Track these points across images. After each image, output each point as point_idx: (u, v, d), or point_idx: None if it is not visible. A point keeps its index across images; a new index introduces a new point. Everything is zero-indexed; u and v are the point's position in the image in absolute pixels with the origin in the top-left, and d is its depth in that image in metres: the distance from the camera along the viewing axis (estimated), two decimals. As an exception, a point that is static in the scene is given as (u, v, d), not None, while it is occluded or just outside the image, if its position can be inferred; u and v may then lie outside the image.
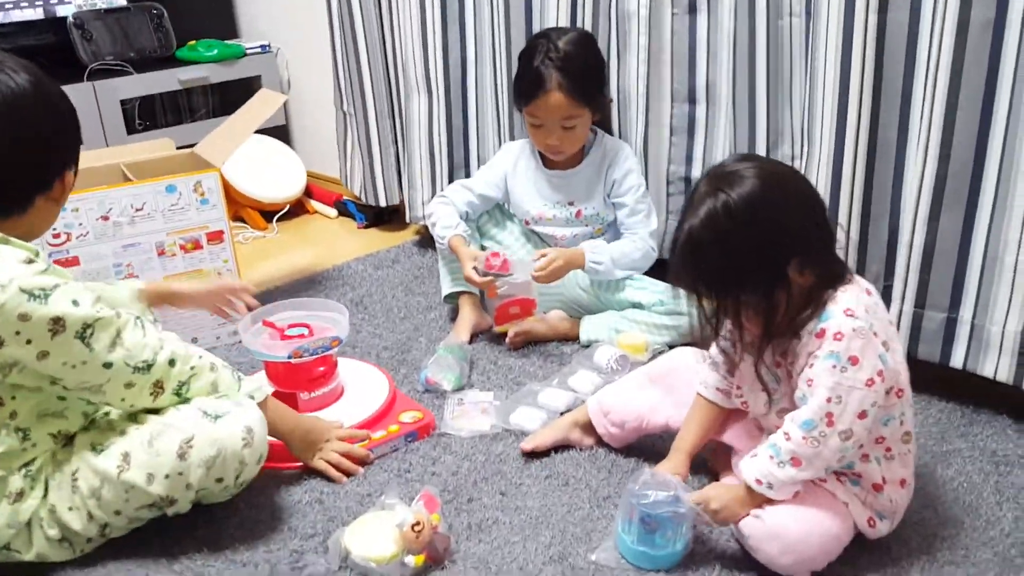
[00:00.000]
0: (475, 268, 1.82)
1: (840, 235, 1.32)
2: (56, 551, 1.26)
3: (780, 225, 1.13)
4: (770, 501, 1.18)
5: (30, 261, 1.16)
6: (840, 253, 1.22)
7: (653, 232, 1.91)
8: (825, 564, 1.18)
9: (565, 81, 1.77)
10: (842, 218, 1.62)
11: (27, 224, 1.22)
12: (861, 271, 1.66)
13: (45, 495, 1.24)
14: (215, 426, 1.25)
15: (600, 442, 1.52)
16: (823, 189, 1.61)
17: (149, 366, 1.23)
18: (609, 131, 1.97)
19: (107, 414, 1.32)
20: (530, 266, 1.81)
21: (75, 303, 1.16)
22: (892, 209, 1.61)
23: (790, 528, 1.16)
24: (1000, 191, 1.43)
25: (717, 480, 1.36)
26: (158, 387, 1.25)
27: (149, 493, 1.23)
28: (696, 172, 1.96)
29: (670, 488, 1.22)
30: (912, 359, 1.58)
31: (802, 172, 1.65)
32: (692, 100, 1.90)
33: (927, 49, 1.46)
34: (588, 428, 1.52)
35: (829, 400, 1.12)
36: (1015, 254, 1.43)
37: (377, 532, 1.25)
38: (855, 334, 1.11)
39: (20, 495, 1.22)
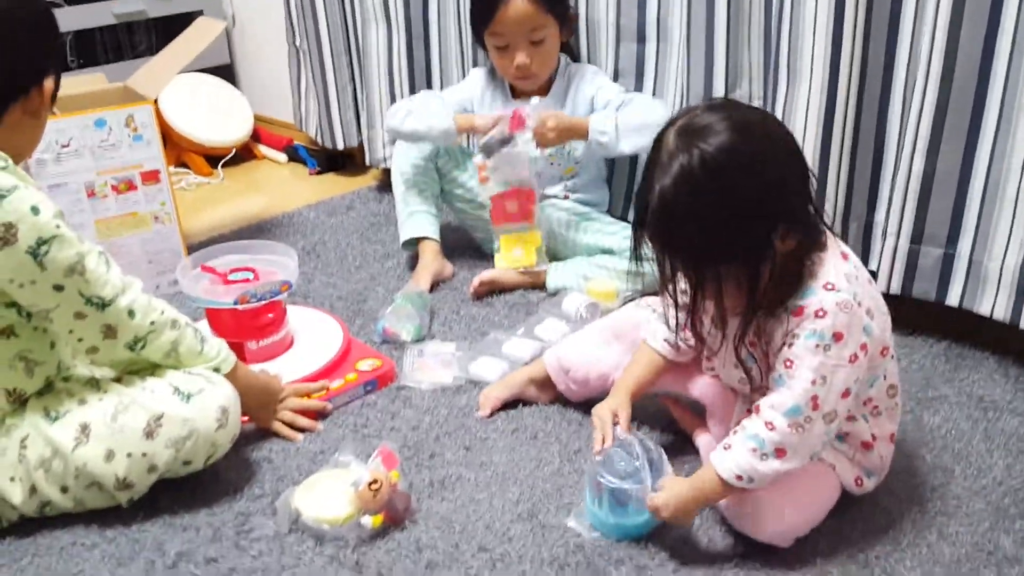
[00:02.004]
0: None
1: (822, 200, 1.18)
2: None
3: (764, 182, 0.99)
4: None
5: None
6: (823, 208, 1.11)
7: (658, 101, 1.76)
8: (809, 529, 1.11)
9: None
10: (833, 155, 1.54)
11: (3, 138, 1.11)
12: (847, 208, 1.59)
13: None
14: (187, 405, 1.16)
15: (558, 398, 1.42)
16: (812, 125, 1.53)
17: (104, 304, 1.12)
18: (577, 58, 1.86)
19: (66, 379, 1.21)
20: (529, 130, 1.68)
21: (34, 210, 1.05)
22: (882, 142, 1.53)
23: (766, 503, 1.07)
24: (1003, 118, 1.35)
25: (690, 438, 1.29)
26: (110, 331, 1.14)
27: (105, 472, 1.13)
28: None
29: (633, 456, 1.13)
30: (906, 298, 1.53)
31: (775, 112, 1.57)
32: (641, 39, 1.78)
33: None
34: (544, 384, 1.42)
35: (814, 382, 1.01)
36: (1017, 185, 1.36)
37: (330, 492, 1.17)
38: (839, 308, 1.00)
39: None
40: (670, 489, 1.10)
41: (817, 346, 1.01)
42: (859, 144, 1.56)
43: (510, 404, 1.42)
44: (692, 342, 1.22)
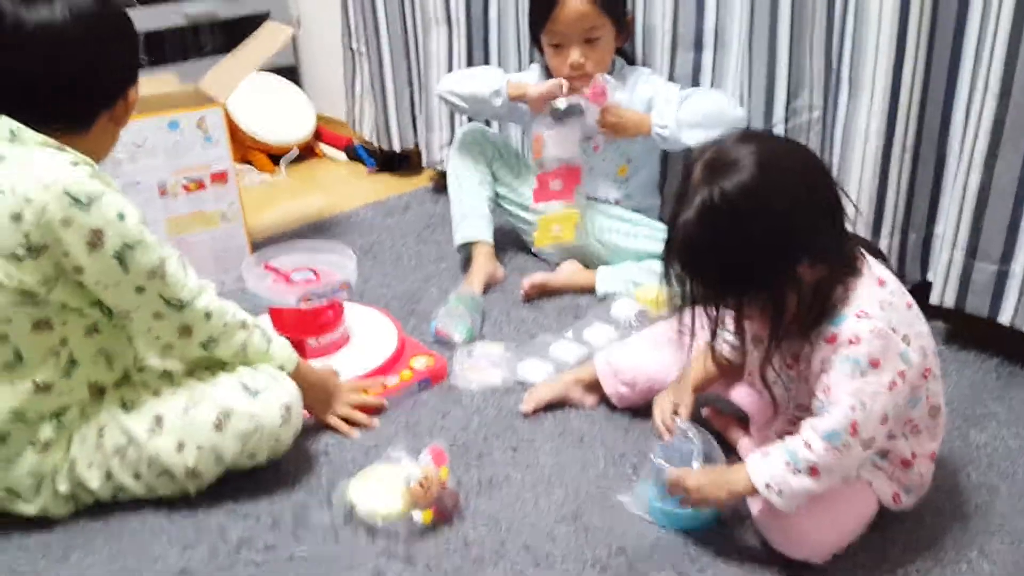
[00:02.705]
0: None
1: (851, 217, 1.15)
2: (59, 506, 1.22)
3: (786, 219, 1.01)
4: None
5: (77, 164, 1.12)
6: (852, 228, 1.11)
7: (720, 92, 1.77)
8: (845, 545, 1.12)
9: None
10: (893, 166, 1.54)
11: (88, 145, 1.18)
12: (907, 219, 1.58)
13: (67, 449, 1.20)
14: (254, 401, 1.23)
15: (602, 403, 1.45)
16: (874, 137, 1.53)
17: (182, 305, 1.19)
18: (631, 63, 1.88)
19: (141, 370, 1.28)
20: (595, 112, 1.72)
21: (120, 216, 1.12)
22: (943, 154, 1.53)
23: (801, 520, 1.09)
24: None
25: (732, 448, 1.31)
26: (185, 331, 1.21)
27: (176, 462, 1.20)
28: None
29: (688, 443, 1.16)
30: (960, 312, 1.52)
31: (835, 122, 1.57)
32: (699, 47, 1.79)
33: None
34: (591, 387, 1.45)
35: (853, 408, 1.02)
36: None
37: (383, 486, 1.22)
38: (873, 335, 1.02)
39: (47, 446, 1.18)
40: (704, 474, 1.13)
41: (853, 372, 1.02)
42: (920, 155, 1.56)
43: (556, 406, 1.45)
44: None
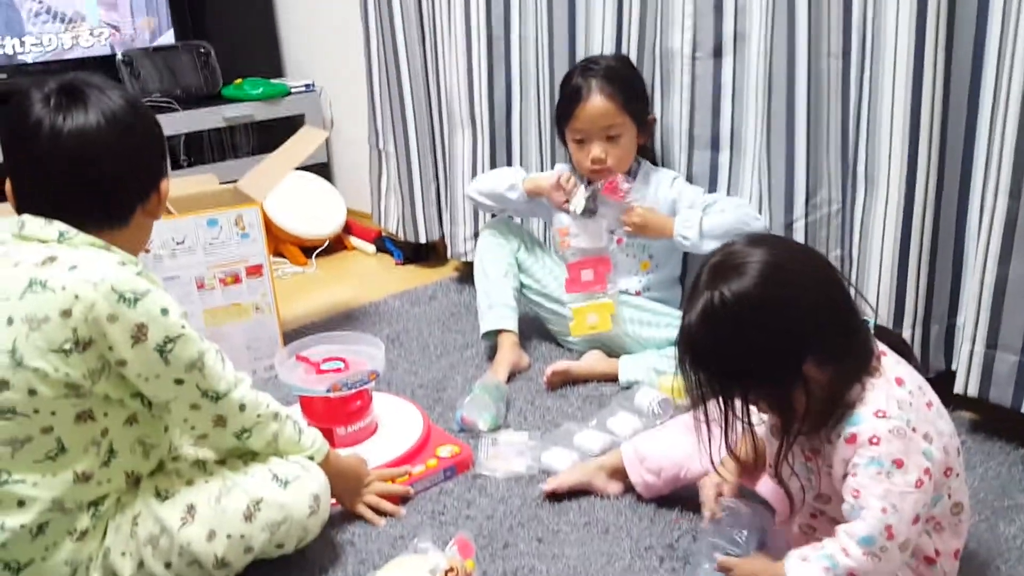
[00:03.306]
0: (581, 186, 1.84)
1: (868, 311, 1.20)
2: None
3: (788, 322, 1.04)
4: None
5: (124, 264, 1.18)
6: (871, 320, 1.14)
7: (743, 203, 1.83)
8: None
9: (607, 86, 1.80)
10: (912, 260, 1.58)
11: (127, 238, 1.24)
12: (928, 311, 1.61)
13: (103, 539, 1.22)
14: (284, 491, 1.25)
15: (625, 491, 1.46)
16: (891, 231, 1.58)
17: (218, 397, 1.23)
18: (654, 163, 1.95)
19: (176, 459, 1.32)
20: (619, 208, 1.80)
21: (164, 312, 1.17)
22: (961, 248, 1.57)
23: None
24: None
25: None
26: (220, 421, 1.25)
27: (207, 551, 1.22)
28: None
29: (741, 526, 1.18)
30: (983, 402, 1.53)
31: (852, 218, 1.61)
32: (715, 147, 1.87)
33: (993, 84, 1.43)
34: (616, 474, 1.47)
35: (884, 511, 1.03)
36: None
37: (409, 577, 1.21)
38: (892, 435, 1.03)
39: (84, 534, 1.21)
40: (749, 564, 1.13)
41: (879, 473, 1.03)
42: (938, 249, 1.59)
43: (582, 495, 1.46)
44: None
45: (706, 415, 1.12)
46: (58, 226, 1.18)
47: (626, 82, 1.83)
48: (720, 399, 1.10)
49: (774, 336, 1.05)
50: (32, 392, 1.14)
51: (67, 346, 1.13)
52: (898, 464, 1.03)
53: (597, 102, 1.80)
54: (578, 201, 1.85)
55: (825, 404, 1.08)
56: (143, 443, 1.26)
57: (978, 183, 1.50)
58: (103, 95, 1.19)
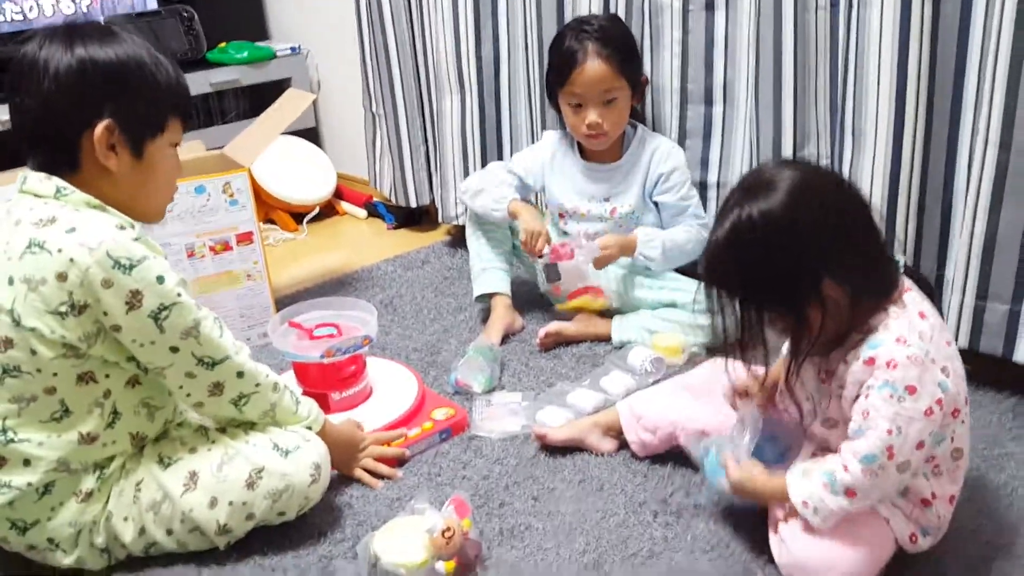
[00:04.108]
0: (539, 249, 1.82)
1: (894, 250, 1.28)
2: (94, 559, 1.26)
3: (808, 243, 1.07)
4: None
5: (122, 228, 1.17)
6: (897, 257, 1.16)
7: (705, 224, 1.86)
8: None
9: (603, 49, 1.76)
10: (900, 212, 1.58)
11: (94, 188, 1.19)
12: (916, 263, 1.62)
13: (106, 502, 1.24)
14: (285, 460, 1.26)
15: (619, 449, 1.47)
16: (879, 184, 1.57)
17: (215, 363, 1.23)
18: (644, 120, 1.94)
19: (180, 426, 1.33)
20: (592, 250, 1.79)
21: (159, 279, 1.17)
22: (949, 200, 1.57)
23: (813, 559, 1.12)
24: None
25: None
26: (217, 388, 1.25)
27: (208, 518, 1.23)
28: (712, 177, 1.91)
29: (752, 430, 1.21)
30: (974, 352, 1.54)
31: (836, 170, 1.61)
32: (709, 101, 1.85)
33: (981, 34, 1.41)
34: (610, 432, 1.48)
35: (890, 432, 1.06)
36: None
37: (407, 537, 1.23)
38: (910, 362, 1.06)
39: (89, 496, 1.22)
40: (747, 470, 1.18)
41: (891, 396, 1.06)
42: (926, 202, 1.59)
43: (576, 453, 1.48)
44: None
45: (725, 335, 1.15)
46: (56, 182, 1.18)
47: (621, 43, 1.80)
48: (740, 316, 1.12)
49: (797, 254, 1.07)
50: (33, 352, 1.15)
51: (63, 309, 1.14)
52: (911, 390, 1.05)
53: (594, 66, 1.76)
54: (539, 275, 1.88)
55: (843, 326, 1.10)
56: (147, 405, 1.26)
57: (966, 134, 1.49)
58: (90, 40, 1.17)
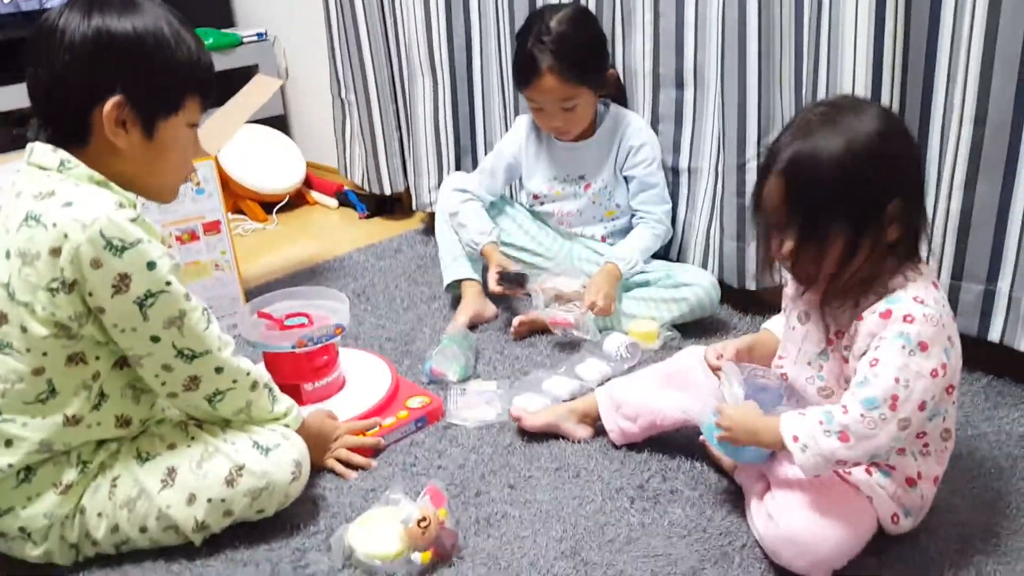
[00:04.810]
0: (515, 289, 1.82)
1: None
2: (63, 553, 1.22)
3: (899, 162, 1.09)
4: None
5: (121, 206, 1.13)
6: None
7: (667, 211, 1.87)
8: (845, 562, 1.13)
9: (557, 64, 1.73)
10: None
11: (102, 163, 1.16)
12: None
13: (81, 497, 1.21)
14: (266, 459, 1.24)
15: (594, 436, 1.46)
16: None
17: (194, 356, 1.19)
18: (624, 104, 1.92)
19: (160, 421, 1.30)
20: (587, 322, 1.76)
21: (150, 265, 1.13)
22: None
23: (803, 531, 1.11)
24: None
25: (720, 472, 1.33)
26: (193, 382, 1.22)
27: (186, 515, 1.20)
28: (683, 162, 1.89)
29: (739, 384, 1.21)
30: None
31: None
32: (680, 85, 1.84)
33: (953, 11, 1.41)
34: (585, 419, 1.47)
35: (897, 381, 1.05)
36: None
37: (382, 529, 1.21)
38: (925, 320, 1.06)
39: (68, 489, 1.19)
40: (740, 411, 1.16)
41: (903, 348, 1.05)
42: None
43: (552, 440, 1.47)
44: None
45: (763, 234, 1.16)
46: (61, 154, 1.15)
47: (580, 53, 1.75)
48: (802, 231, 1.10)
49: (887, 170, 1.07)
50: (24, 329, 1.13)
51: (54, 285, 1.11)
52: (923, 347, 1.05)
53: (550, 81, 1.74)
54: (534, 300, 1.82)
55: (876, 268, 1.10)
56: (134, 387, 1.23)
57: (939, 111, 1.49)
58: (109, 10, 1.14)
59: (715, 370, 1.28)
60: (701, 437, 1.26)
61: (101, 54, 1.14)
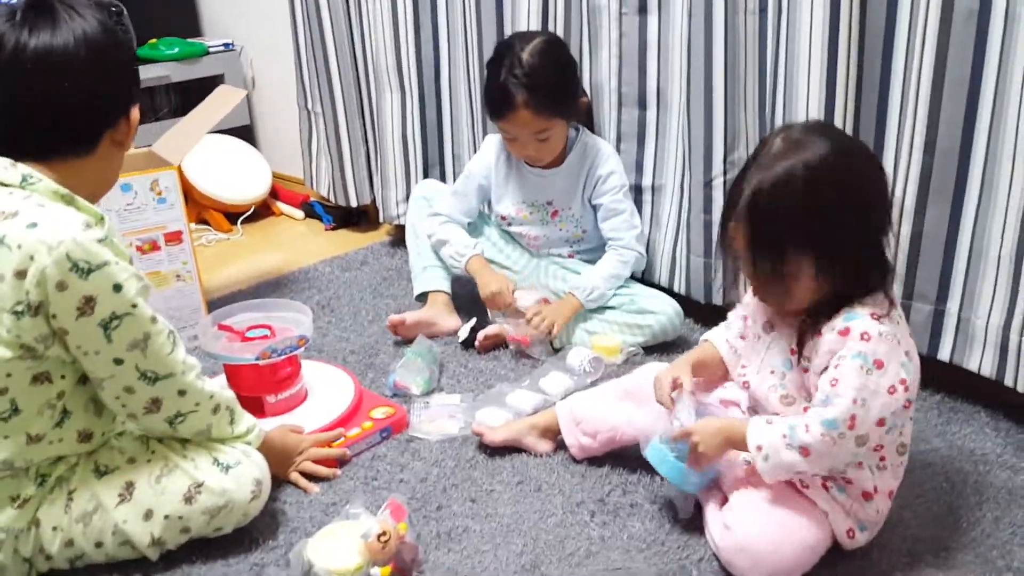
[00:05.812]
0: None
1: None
2: (16, 567, 1.20)
3: (866, 189, 1.12)
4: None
5: (88, 226, 1.11)
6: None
7: (639, 236, 1.88)
8: (799, 575, 1.15)
9: (531, 98, 1.73)
10: None
11: (93, 169, 1.18)
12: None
13: (37, 510, 1.19)
14: (226, 476, 1.23)
15: (556, 450, 1.47)
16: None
17: (157, 379, 1.18)
18: (591, 127, 1.94)
19: (120, 434, 1.28)
20: (539, 337, 1.79)
21: (116, 288, 1.11)
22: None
23: (759, 541, 1.14)
24: (985, 184, 1.42)
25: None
26: (155, 404, 1.20)
27: (142, 531, 1.19)
28: (646, 180, 1.91)
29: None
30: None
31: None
32: (643, 105, 1.87)
33: (906, 41, 1.45)
34: (547, 433, 1.48)
35: (855, 401, 1.09)
36: (999, 247, 1.42)
37: (341, 543, 1.21)
38: (881, 338, 1.09)
39: (25, 503, 1.17)
40: (705, 423, 1.20)
41: (861, 367, 1.09)
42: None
43: (515, 455, 1.47)
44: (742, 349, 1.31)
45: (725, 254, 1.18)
46: (22, 169, 1.13)
47: (553, 85, 1.76)
48: (771, 261, 1.12)
49: (851, 203, 1.11)
50: None
51: (19, 308, 1.09)
52: (879, 365, 1.09)
53: (524, 115, 1.75)
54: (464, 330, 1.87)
55: (839, 289, 1.13)
56: (96, 401, 1.22)
57: (892, 138, 1.53)
58: (75, 15, 1.14)
59: (667, 399, 1.30)
60: (645, 452, 1.27)
61: (123, 61, 1.21)
